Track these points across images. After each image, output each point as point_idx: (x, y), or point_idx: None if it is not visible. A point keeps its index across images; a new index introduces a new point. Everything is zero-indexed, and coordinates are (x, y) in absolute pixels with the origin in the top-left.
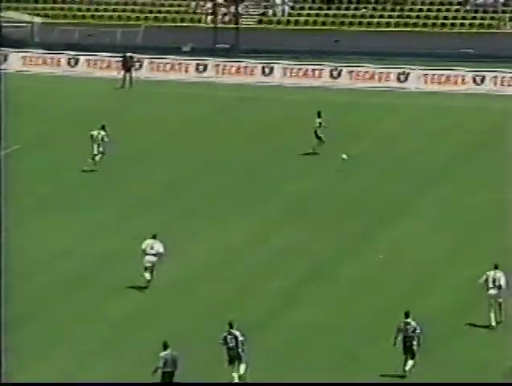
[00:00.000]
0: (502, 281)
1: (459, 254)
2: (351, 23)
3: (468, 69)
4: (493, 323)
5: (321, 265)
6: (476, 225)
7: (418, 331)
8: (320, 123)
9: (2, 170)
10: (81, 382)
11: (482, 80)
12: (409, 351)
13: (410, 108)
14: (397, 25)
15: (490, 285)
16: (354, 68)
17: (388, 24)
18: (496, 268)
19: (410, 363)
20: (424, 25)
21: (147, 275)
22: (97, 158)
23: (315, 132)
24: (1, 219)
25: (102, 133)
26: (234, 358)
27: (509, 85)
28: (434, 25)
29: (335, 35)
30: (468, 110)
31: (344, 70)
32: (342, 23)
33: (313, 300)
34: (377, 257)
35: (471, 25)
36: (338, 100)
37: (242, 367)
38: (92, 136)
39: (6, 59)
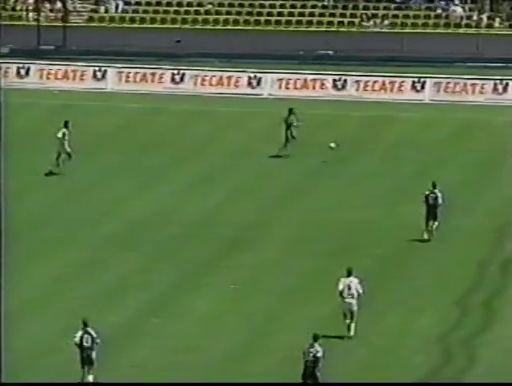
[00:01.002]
0: (360, 289)
1: (318, 282)
2: (194, 21)
3: (327, 72)
4: (352, 333)
5: (162, 298)
6: (337, 248)
7: (319, 355)
8: (291, 123)
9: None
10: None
11: (343, 85)
12: (310, 377)
13: (263, 116)
14: (246, 23)
15: (345, 293)
16: (199, 72)
17: (236, 22)
18: (349, 274)
19: None
20: (277, 23)
21: None
22: (61, 158)
23: (287, 130)
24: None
25: (63, 130)
26: (86, 360)
27: (374, 90)
28: (288, 23)
29: (176, 35)
30: (329, 118)
31: (188, 74)
32: (184, 21)
33: (154, 338)
34: (227, 288)
35: (330, 23)
36: (180, 108)
37: (91, 375)
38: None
39: None
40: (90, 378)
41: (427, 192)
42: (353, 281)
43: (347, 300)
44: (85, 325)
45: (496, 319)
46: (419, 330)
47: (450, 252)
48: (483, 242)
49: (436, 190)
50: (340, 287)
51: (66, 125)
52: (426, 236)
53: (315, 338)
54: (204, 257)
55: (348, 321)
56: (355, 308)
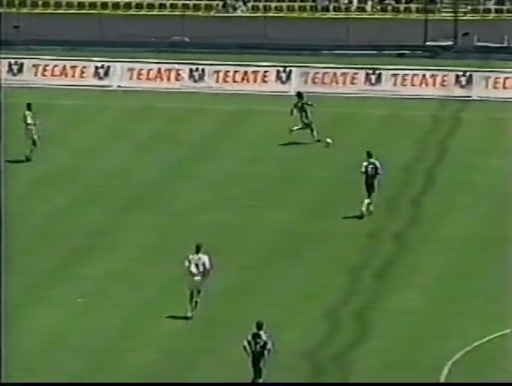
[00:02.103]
0: (207, 264)
1: (176, 294)
2: (34, 4)
3: (183, 62)
4: (190, 314)
5: None
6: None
7: (268, 346)
8: (298, 106)
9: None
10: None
11: (201, 76)
12: (257, 369)
13: (113, 111)
14: (92, 6)
15: (194, 270)
16: (40, 61)
17: (81, 5)
18: (198, 251)
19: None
20: (127, 6)
21: None
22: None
23: (301, 116)
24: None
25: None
26: None
27: (235, 81)
28: (139, 6)
29: (14, 19)
30: (184, 112)
31: (27, 63)
32: (22, 4)
33: None
34: (74, 302)
35: (185, 6)
36: (18, 102)
37: None
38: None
39: None
40: None
41: (365, 163)
42: (202, 258)
43: (195, 278)
44: None
45: (369, 332)
46: (286, 346)
47: (321, 257)
48: (356, 247)
49: (375, 161)
50: (187, 264)
51: (29, 107)
52: (364, 211)
53: (259, 327)
54: (47, 267)
55: (196, 299)
56: (202, 286)
